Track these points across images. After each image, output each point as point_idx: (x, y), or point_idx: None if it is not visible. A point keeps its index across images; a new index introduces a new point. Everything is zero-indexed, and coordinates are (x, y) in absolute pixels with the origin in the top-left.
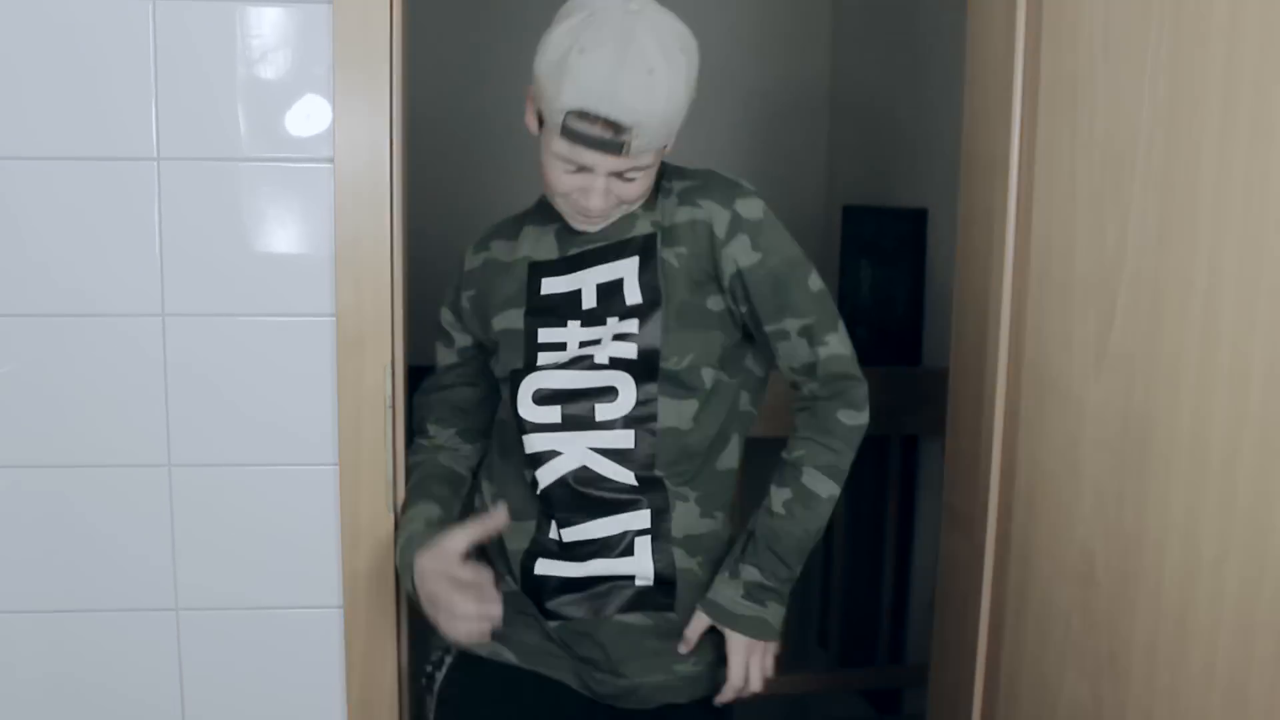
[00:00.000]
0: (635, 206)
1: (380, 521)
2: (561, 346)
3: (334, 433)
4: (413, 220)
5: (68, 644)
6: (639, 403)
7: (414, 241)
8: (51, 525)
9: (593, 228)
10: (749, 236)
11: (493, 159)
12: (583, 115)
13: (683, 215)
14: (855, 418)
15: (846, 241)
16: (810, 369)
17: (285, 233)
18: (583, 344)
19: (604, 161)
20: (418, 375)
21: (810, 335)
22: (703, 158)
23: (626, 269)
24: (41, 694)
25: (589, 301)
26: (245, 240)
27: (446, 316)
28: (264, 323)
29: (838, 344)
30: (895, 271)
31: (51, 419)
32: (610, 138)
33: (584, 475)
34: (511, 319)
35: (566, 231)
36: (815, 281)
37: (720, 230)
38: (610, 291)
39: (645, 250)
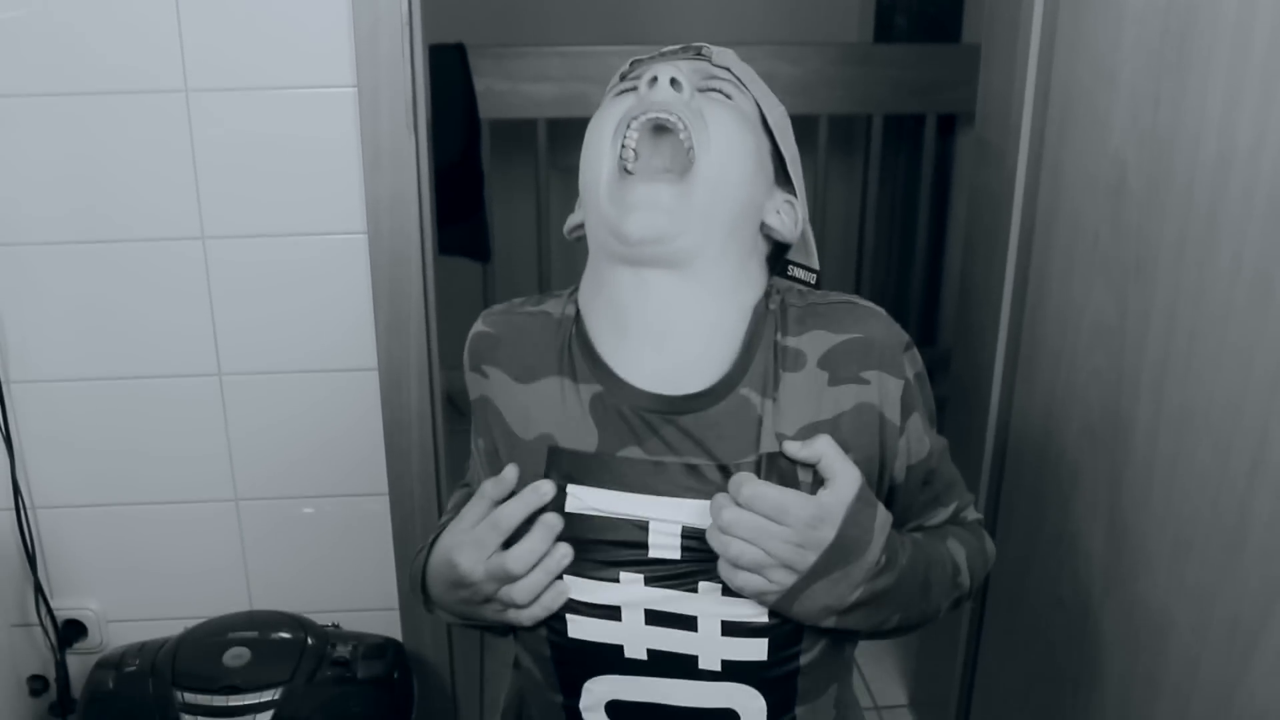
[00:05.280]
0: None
1: (401, 142)
2: (613, 613)
3: (350, 50)
4: None
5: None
6: None
7: None
8: (75, 154)
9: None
10: (923, 414)
11: None
12: (640, 61)
13: (846, 399)
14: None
15: None
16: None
17: None
18: (650, 616)
19: (678, 64)
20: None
21: (959, 519)
22: None
23: None
24: (72, 314)
25: (665, 548)
26: None
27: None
28: None
29: (973, 508)
30: None
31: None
32: (682, 48)
33: None
34: None
35: (609, 398)
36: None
37: (893, 413)
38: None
39: (769, 477)
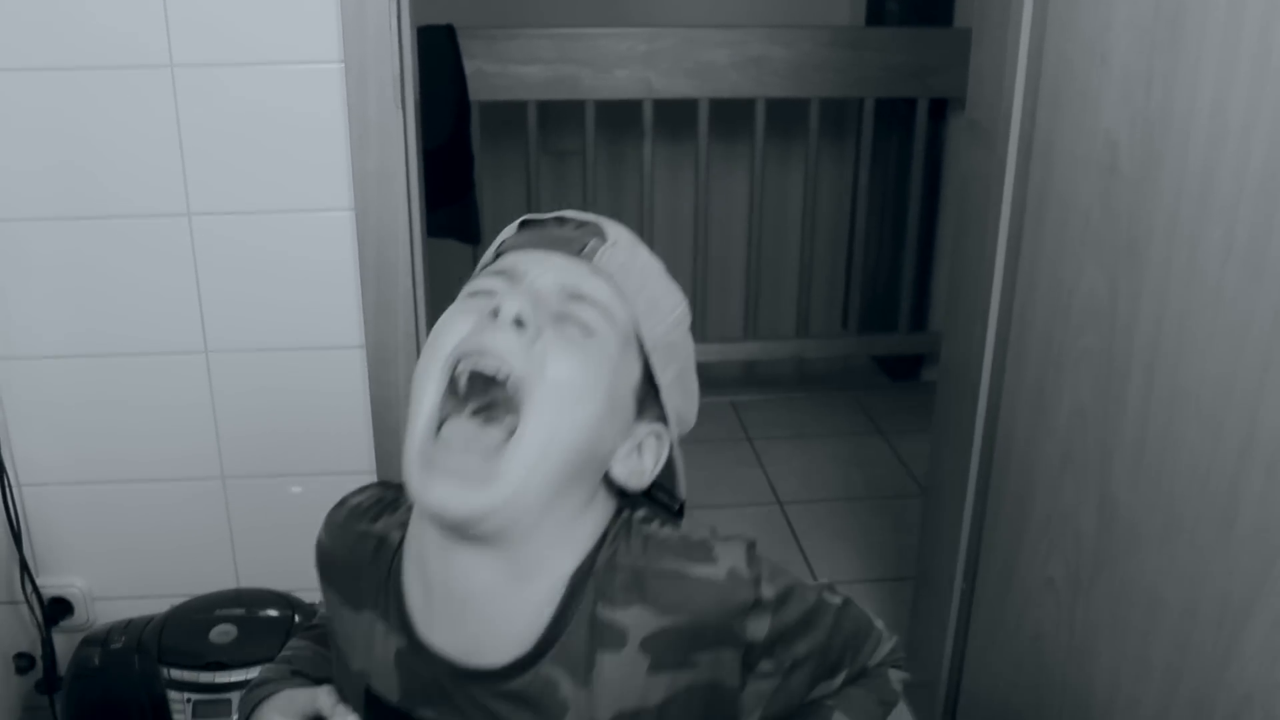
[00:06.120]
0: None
1: (389, 118)
2: None
3: (337, 25)
4: None
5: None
6: None
7: None
8: (59, 130)
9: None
10: (774, 660)
11: None
12: (534, 222)
13: (674, 683)
14: (901, 678)
15: None
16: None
17: None
18: None
19: (548, 267)
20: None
21: (860, 672)
22: None
23: None
24: (57, 290)
25: None
26: None
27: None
28: None
29: (880, 644)
30: None
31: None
32: (574, 234)
33: None
34: None
35: (408, 656)
36: (842, 613)
37: (732, 680)
38: None
39: None
